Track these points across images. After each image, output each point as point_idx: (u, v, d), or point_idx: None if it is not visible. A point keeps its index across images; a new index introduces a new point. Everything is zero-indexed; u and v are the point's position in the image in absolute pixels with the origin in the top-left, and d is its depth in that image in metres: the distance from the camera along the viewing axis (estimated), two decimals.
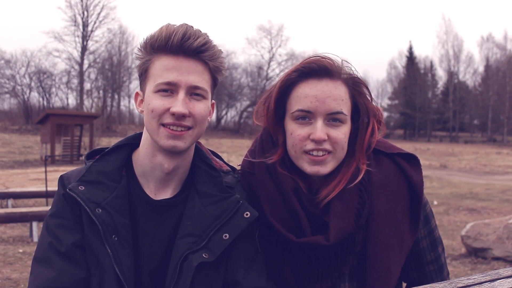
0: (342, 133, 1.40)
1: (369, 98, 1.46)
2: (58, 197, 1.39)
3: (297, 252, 1.43)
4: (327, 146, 1.38)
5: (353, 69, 1.45)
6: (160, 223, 1.41)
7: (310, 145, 1.38)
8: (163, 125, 1.33)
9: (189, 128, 1.35)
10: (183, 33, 1.31)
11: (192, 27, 1.36)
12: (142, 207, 1.41)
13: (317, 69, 1.41)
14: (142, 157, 1.43)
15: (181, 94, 1.32)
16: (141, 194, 1.41)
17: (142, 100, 1.40)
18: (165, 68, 1.32)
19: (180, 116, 1.32)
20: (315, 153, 1.38)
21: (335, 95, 1.39)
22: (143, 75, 1.38)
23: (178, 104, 1.31)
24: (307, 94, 1.39)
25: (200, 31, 1.37)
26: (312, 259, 1.43)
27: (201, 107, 1.36)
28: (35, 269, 1.33)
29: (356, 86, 1.44)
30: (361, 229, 1.42)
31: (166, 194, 1.43)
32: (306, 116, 1.39)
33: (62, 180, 1.42)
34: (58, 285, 1.29)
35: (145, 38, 1.37)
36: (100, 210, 1.33)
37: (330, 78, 1.41)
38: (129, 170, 1.44)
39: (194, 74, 1.33)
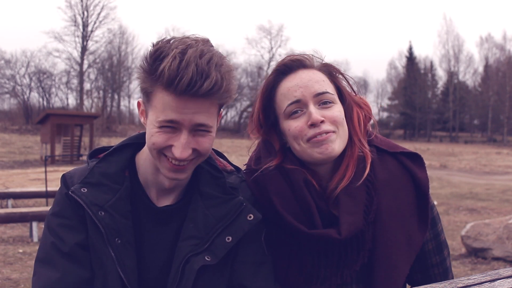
0: (336, 111, 1.42)
1: (345, 80, 1.51)
2: (60, 197, 1.36)
3: (307, 246, 1.42)
4: (327, 126, 1.39)
5: (325, 60, 1.51)
6: (163, 228, 1.38)
7: (311, 132, 1.38)
8: (165, 155, 1.29)
9: (192, 158, 1.30)
10: (189, 79, 1.16)
11: (201, 57, 1.19)
12: (145, 211, 1.39)
13: (291, 64, 1.47)
14: (144, 165, 1.40)
15: (184, 135, 1.24)
16: (144, 198, 1.39)
17: (143, 111, 1.34)
18: (167, 106, 1.21)
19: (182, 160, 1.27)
20: (318, 136, 1.38)
21: (315, 78, 1.43)
22: (145, 97, 1.29)
23: (180, 148, 1.24)
24: (289, 86, 1.43)
25: (211, 63, 1.19)
26: (322, 255, 1.42)
27: (206, 142, 1.29)
28: (38, 270, 1.30)
29: (332, 70, 1.49)
30: (370, 225, 1.42)
31: (168, 200, 1.40)
32: (297, 110, 1.41)
33: (65, 179, 1.38)
34: (63, 286, 1.26)
35: (147, 59, 1.22)
36: (103, 213, 1.30)
37: (305, 68, 1.46)
38: (132, 171, 1.41)
39: (199, 114, 1.23)
